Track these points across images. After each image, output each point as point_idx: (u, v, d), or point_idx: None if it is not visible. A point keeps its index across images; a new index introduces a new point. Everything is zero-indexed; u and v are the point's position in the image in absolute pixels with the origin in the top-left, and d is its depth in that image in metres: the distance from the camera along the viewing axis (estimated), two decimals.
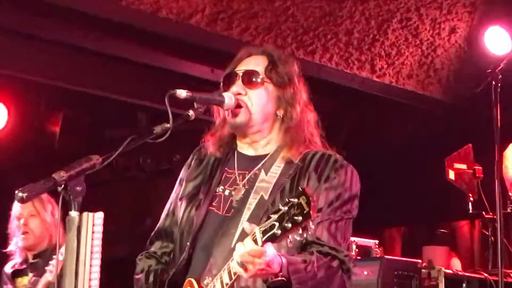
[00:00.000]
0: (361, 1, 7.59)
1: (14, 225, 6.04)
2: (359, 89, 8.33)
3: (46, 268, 5.62)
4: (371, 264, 6.35)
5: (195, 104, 3.23)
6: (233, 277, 3.04)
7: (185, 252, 3.32)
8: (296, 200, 2.82)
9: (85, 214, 2.76)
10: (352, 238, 6.22)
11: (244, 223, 3.02)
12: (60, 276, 2.77)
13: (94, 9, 6.66)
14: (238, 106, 3.34)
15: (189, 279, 3.25)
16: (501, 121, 5.93)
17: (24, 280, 5.94)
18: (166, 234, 3.50)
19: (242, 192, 3.32)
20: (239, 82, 3.38)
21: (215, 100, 3.32)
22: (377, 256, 6.67)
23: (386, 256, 6.65)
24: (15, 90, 8.17)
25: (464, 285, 6.58)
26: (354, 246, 6.51)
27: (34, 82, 7.64)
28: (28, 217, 5.98)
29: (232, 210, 3.30)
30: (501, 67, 6.00)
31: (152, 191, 9.92)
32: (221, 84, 3.44)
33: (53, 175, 2.73)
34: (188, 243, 3.32)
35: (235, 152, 3.45)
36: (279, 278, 3.02)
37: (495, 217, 6.15)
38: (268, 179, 3.29)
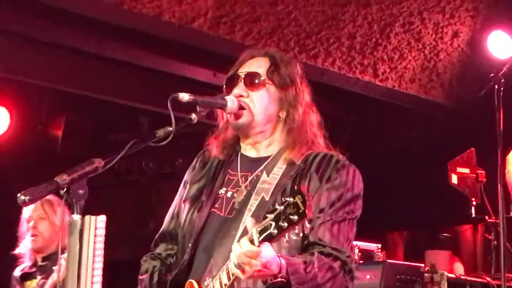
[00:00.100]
0: (363, 5, 7.59)
1: (24, 227, 6.06)
2: (362, 93, 8.33)
3: (53, 268, 5.65)
4: (373, 268, 6.33)
5: (197, 107, 3.24)
6: (232, 278, 3.05)
7: (186, 254, 3.33)
8: (292, 199, 2.82)
9: (87, 217, 2.76)
10: (355, 242, 6.18)
11: (247, 219, 3.02)
12: (64, 280, 2.77)
13: (97, 13, 6.67)
14: (241, 108, 3.34)
15: (190, 280, 3.25)
16: (503, 125, 5.94)
17: (32, 283, 5.95)
18: (170, 236, 3.51)
19: (244, 193, 3.33)
20: (241, 84, 3.39)
21: (217, 104, 3.33)
22: (380, 260, 6.66)
23: (388, 260, 6.63)
24: (18, 94, 8.17)
25: None
26: (356, 250, 6.49)
27: (36, 86, 7.64)
28: (38, 220, 6.00)
29: (234, 212, 3.30)
30: (503, 71, 6.01)
31: (154, 195, 9.93)
32: (224, 86, 3.45)
33: (55, 178, 2.73)
34: (189, 245, 3.33)
35: (238, 154, 3.46)
36: (278, 280, 3.01)
37: (497, 221, 6.15)
38: (269, 180, 3.29)
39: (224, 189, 3.38)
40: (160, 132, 3.09)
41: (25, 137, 8.62)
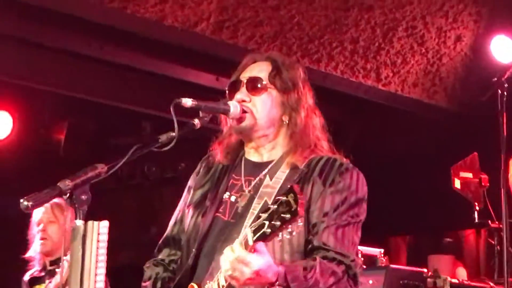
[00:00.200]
0: (366, 9, 7.59)
1: (34, 231, 6.06)
2: (365, 98, 8.33)
3: (56, 270, 5.66)
4: (376, 273, 6.33)
5: (200, 113, 3.24)
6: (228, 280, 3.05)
7: (190, 258, 3.33)
8: (284, 197, 2.82)
9: (90, 223, 2.75)
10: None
11: (247, 229, 3.01)
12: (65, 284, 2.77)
13: (99, 17, 6.67)
14: (243, 112, 3.34)
15: (191, 284, 3.26)
16: (507, 130, 5.94)
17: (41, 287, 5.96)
18: (174, 241, 3.51)
19: (247, 197, 3.32)
20: (243, 89, 3.39)
21: (220, 109, 3.32)
22: (383, 265, 6.65)
23: (391, 265, 6.62)
24: (20, 98, 8.19)
25: None
26: (359, 255, 6.48)
27: (39, 90, 7.65)
28: (47, 223, 6.01)
29: (237, 216, 3.30)
30: (507, 75, 6.00)
31: (157, 199, 9.94)
32: (227, 91, 3.45)
33: (58, 184, 2.73)
34: (193, 250, 3.33)
35: (243, 158, 3.45)
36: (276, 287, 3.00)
37: (501, 226, 6.14)
38: (272, 185, 3.29)
39: (228, 193, 3.38)
40: (163, 138, 3.09)
41: (28, 141, 8.63)
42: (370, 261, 6.64)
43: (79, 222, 2.72)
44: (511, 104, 5.97)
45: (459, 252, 9.66)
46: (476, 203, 7.07)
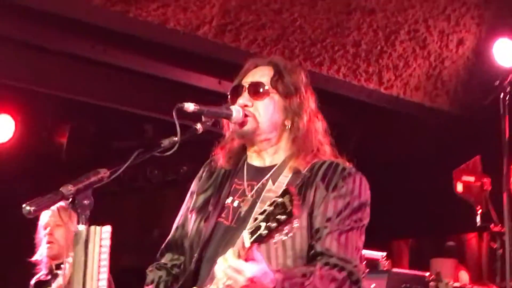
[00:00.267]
0: (368, 13, 7.59)
1: (41, 234, 6.06)
2: (367, 101, 8.32)
3: (58, 272, 5.66)
4: (378, 277, 6.32)
5: (203, 117, 3.24)
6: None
7: (192, 263, 3.33)
8: (280, 199, 2.82)
9: (92, 228, 2.76)
10: None
11: (244, 232, 3.00)
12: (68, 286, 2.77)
13: (102, 21, 6.67)
14: (246, 116, 3.34)
15: None
16: (509, 133, 5.93)
17: None
18: (176, 246, 3.51)
19: (250, 202, 3.32)
20: (245, 94, 3.39)
21: (223, 114, 3.33)
22: (385, 269, 6.64)
23: (393, 269, 6.62)
24: (22, 101, 8.19)
25: None
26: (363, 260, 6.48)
27: (41, 93, 7.66)
28: (54, 227, 6.00)
29: (239, 221, 3.30)
30: (509, 79, 6.00)
31: (159, 202, 9.94)
32: (229, 96, 3.45)
33: (60, 189, 2.73)
34: (195, 255, 3.32)
35: (245, 163, 3.45)
36: None
37: (503, 230, 6.14)
38: (275, 189, 3.27)
39: (231, 198, 3.38)
40: (165, 142, 3.09)
41: (30, 144, 8.64)
42: (372, 264, 6.63)
43: (82, 227, 2.73)
44: None
45: (462, 256, 9.65)
46: (479, 207, 7.07)
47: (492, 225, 6.96)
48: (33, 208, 2.66)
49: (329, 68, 7.79)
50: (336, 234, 3.19)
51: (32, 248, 6.10)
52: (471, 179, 7.14)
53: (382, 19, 7.68)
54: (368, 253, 6.60)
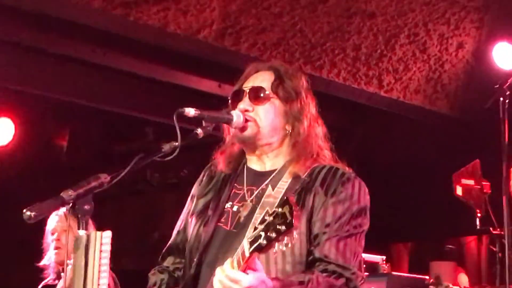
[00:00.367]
0: (369, 16, 7.60)
1: (48, 240, 6.05)
2: (367, 104, 8.33)
3: (61, 274, 5.66)
4: (378, 280, 6.33)
5: (203, 122, 3.24)
6: None
7: (192, 268, 3.32)
8: (280, 209, 2.81)
9: (93, 233, 2.76)
10: None
11: (244, 241, 3.01)
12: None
13: (102, 24, 6.68)
14: (246, 121, 3.34)
15: None
16: (509, 137, 5.93)
17: None
18: (178, 250, 3.50)
19: (250, 207, 3.31)
20: (246, 99, 3.38)
21: (223, 119, 3.32)
22: (385, 272, 6.65)
23: (393, 272, 6.64)
24: (23, 104, 8.19)
25: None
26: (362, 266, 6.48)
27: (41, 97, 7.66)
28: (61, 232, 6.00)
29: (239, 226, 3.29)
30: (509, 82, 6.00)
31: (160, 205, 9.95)
32: (229, 101, 3.45)
33: (61, 194, 2.74)
34: (195, 259, 3.32)
35: (245, 168, 3.45)
36: None
37: (502, 233, 6.14)
38: (274, 194, 3.27)
39: (230, 203, 3.37)
40: (166, 147, 3.09)
41: (30, 148, 8.64)
42: (371, 268, 6.64)
43: (82, 232, 2.73)
44: None
45: (461, 259, 9.66)
46: (478, 210, 7.08)
47: (491, 228, 6.97)
48: (33, 213, 2.67)
49: (329, 72, 7.80)
50: (335, 240, 3.18)
51: (33, 251, 6.10)
52: (471, 182, 7.15)
53: (382, 23, 7.69)
54: (367, 256, 6.62)
